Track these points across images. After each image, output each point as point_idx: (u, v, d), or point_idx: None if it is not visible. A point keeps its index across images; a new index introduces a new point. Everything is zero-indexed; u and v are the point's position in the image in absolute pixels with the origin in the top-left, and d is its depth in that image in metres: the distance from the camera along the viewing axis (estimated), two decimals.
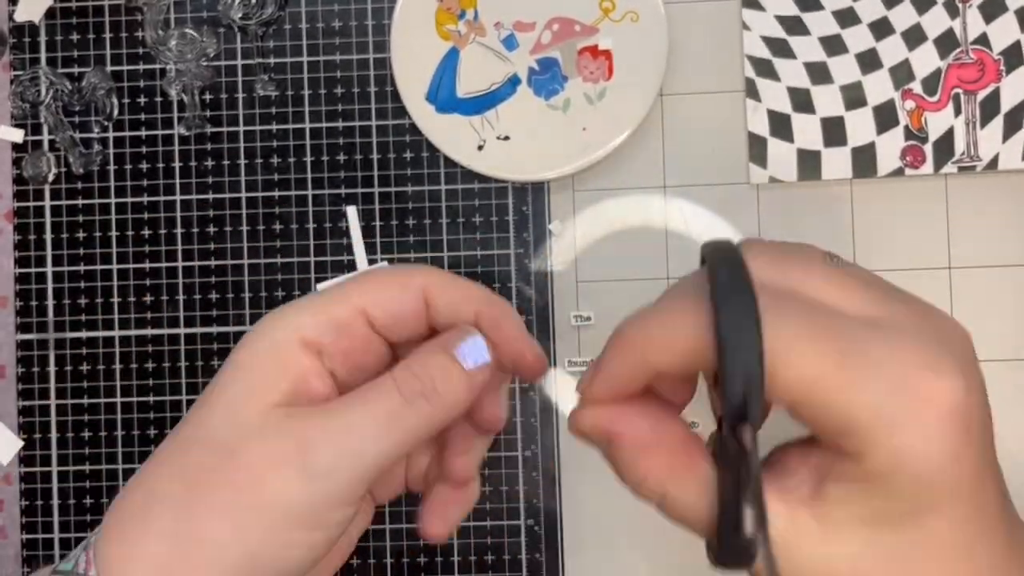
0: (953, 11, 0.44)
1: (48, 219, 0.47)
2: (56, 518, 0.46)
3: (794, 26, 0.45)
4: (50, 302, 0.46)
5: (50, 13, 0.47)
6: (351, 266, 0.46)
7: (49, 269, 0.47)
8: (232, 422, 0.28)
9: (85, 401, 0.46)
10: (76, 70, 0.47)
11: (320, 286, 0.32)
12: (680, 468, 0.28)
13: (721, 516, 0.26)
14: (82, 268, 0.46)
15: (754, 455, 0.24)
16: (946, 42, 0.44)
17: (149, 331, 0.46)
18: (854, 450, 0.24)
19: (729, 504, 0.25)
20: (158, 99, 0.47)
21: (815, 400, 0.24)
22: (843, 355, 0.24)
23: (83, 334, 0.46)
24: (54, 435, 0.46)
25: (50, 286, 0.46)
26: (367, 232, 0.46)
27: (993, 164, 0.44)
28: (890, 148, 0.44)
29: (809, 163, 0.44)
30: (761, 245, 0.28)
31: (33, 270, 0.47)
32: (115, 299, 0.46)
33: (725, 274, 0.25)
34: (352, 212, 0.45)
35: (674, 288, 0.28)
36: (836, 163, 0.44)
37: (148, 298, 0.46)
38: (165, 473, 0.29)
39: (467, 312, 0.31)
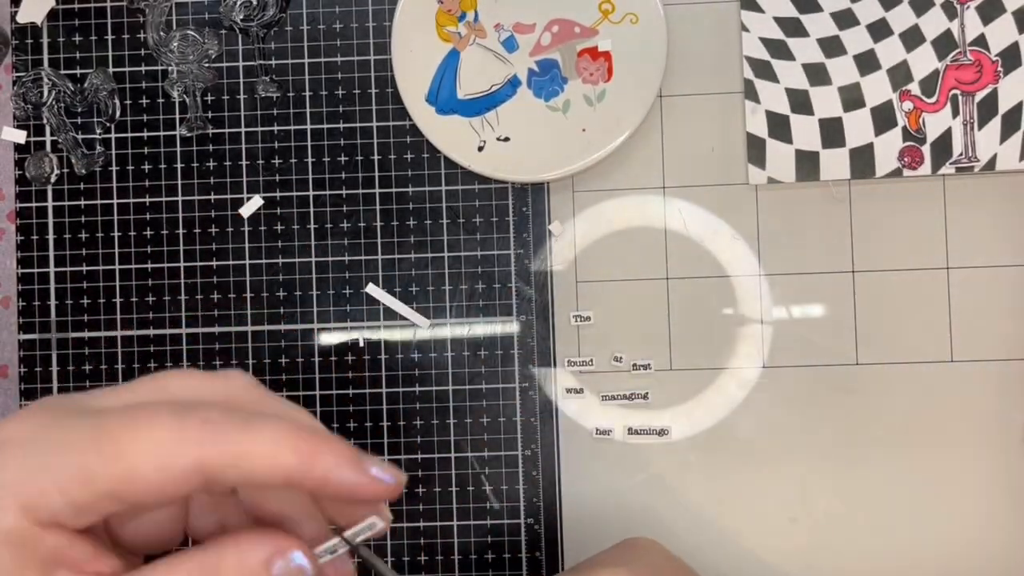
0: (951, 13, 0.44)
1: (50, 219, 0.47)
2: None
3: (793, 28, 0.45)
4: (52, 302, 0.47)
5: (52, 15, 0.47)
6: (351, 266, 0.46)
7: (51, 269, 0.47)
8: None
9: None
10: (78, 71, 0.47)
11: (100, 395, 0.25)
12: None
13: None
14: (84, 268, 0.47)
15: None
16: (944, 43, 0.44)
17: (150, 331, 0.46)
18: None
19: None
20: (160, 100, 0.47)
21: None
22: None
23: (85, 334, 0.46)
24: None
25: (52, 286, 0.47)
26: (367, 232, 0.46)
27: (991, 165, 0.44)
28: (888, 149, 0.44)
29: (807, 164, 0.44)
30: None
31: (35, 270, 0.47)
32: (117, 299, 0.46)
33: None
34: (372, 289, 0.45)
35: None
36: (835, 164, 0.44)
37: (149, 298, 0.46)
38: None
39: (272, 482, 0.24)
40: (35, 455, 0.24)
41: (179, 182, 0.47)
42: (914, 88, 0.44)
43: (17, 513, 0.23)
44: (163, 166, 0.47)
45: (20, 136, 0.47)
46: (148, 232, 0.47)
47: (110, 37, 0.47)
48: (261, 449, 0.24)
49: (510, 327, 0.45)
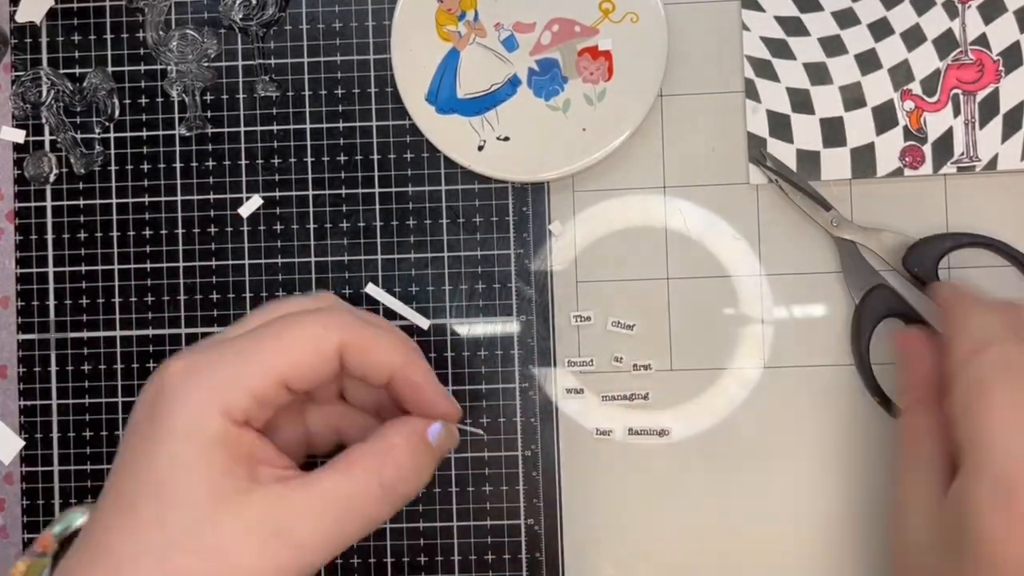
0: (952, 12, 0.44)
1: (49, 219, 0.47)
2: None
3: (794, 27, 0.45)
4: (51, 302, 0.47)
5: (51, 14, 0.47)
6: (351, 266, 0.46)
7: (50, 269, 0.47)
8: (210, 523, 0.28)
9: (86, 401, 0.46)
10: (77, 71, 0.47)
11: (229, 331, 0.32)
12: None
13: None
14: (83, 268, 0.47)
15: None
16: (945, 43, 0.44)
17: (150, 331, 0.46)
18: None
19: None
20: (159, 100, 0.47)
21: None
22: None
23: (84, 334, 0.46)
24: (55, 435, 0.46)
25: (51, 286, 0.47)
26: (367, 232, 0.46)
27: (992, 164, 0.44)
28: (889, 148, 0.44)
29: (808, 163, 0.44)
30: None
31: (34, 270, 0.47)
32: (116, 299, 0.46)
33: None
34: (372, 288, 0.45)
35: None
36: (835, 163, 0.44)
37: (149, 298, 0.46)
38: (127, 540, 0.28)
39: (382, 372, 0.32)
40: (221, 369, 0.29)
41: (178, 182, 0.47)
42: (915, 87, 0.44)
43: (220, 417, 0.28)
44: (162, 166, 0.47)
45: (19, 136, 0.47)
46: (147, 232, 0.46)
47: (109, 36, 0.47)
48: (381, 345, 0.31)
49: (510, 327, 0.45)
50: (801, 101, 0.45)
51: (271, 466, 0.30)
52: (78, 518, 0.35)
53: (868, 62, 0.44)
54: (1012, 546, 0.30)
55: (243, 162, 0.46)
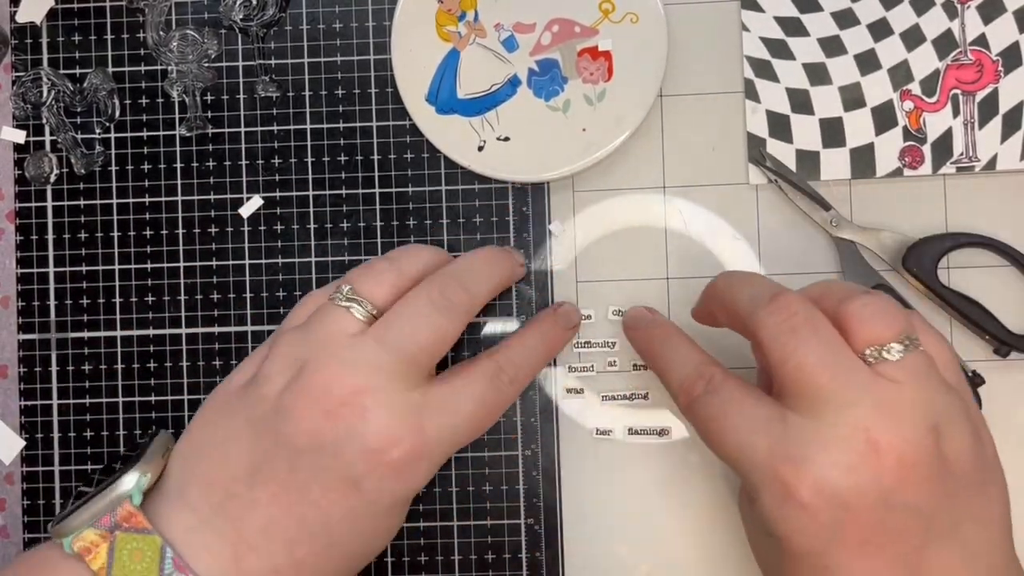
0: (952, 12, 0.44)
1: (50, 219, 0.47)
2: None
3: (793, 27, 0.45)
4: (52, 302, 0.47)
5: (52, 14, 0.47)
6: (351, 266, 0.46)
7: (51, 269, 0.47)
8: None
9: (87, 401, 0.46)
10: (78, 71, 0.47)
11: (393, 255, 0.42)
12: None
13: None
14: (84, 268, 0.47)
15: None
16: (945, 43, 0.44)
17: (150, 331, 0.46)
18: None
19: None
20: (159, 100, 0.47)
21: None
22: None
23: (85, 334, 0.46)
24: (56, 435, 0.46)
25: (52, 286, 0.47)
26: (367, 232, 0.46)
27: (991, 164, 0.44)
28: (889, 149, 0.44)
29: (808, 163, 0.44)
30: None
31: (35, 270, 0.47)
32: (117, 299, 0.46)
33: None
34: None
35: None
36: (835, 163, 0.44)
37: (149, 298, 0.46)
38: (265, 446, 0.36)
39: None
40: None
41: (179, 182, 0.47)
42: (915, 88, 0.44)
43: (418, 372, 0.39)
44: (163, 166, 0.47)
45: (19, 136, 0.47)
46: (148, 232, 0.47)
47: (110, 37, 0.47)
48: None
49: (510, 327, 0.45)
50: (801, 101, 0.45)
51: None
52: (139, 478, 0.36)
53: (867, 62, 0.44)
54: (804, 539, 0.32)
55: (243, 162, 0.46)
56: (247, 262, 0.46)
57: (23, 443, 0.46)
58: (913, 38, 0.44)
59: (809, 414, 0.32)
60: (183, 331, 0.46)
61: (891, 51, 0.44)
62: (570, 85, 0.45)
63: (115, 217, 0.47)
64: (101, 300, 0.47)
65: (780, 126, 0.45)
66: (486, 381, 0.39)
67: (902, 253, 0.43)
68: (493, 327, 0.45)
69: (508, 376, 0.40)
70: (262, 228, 0.46)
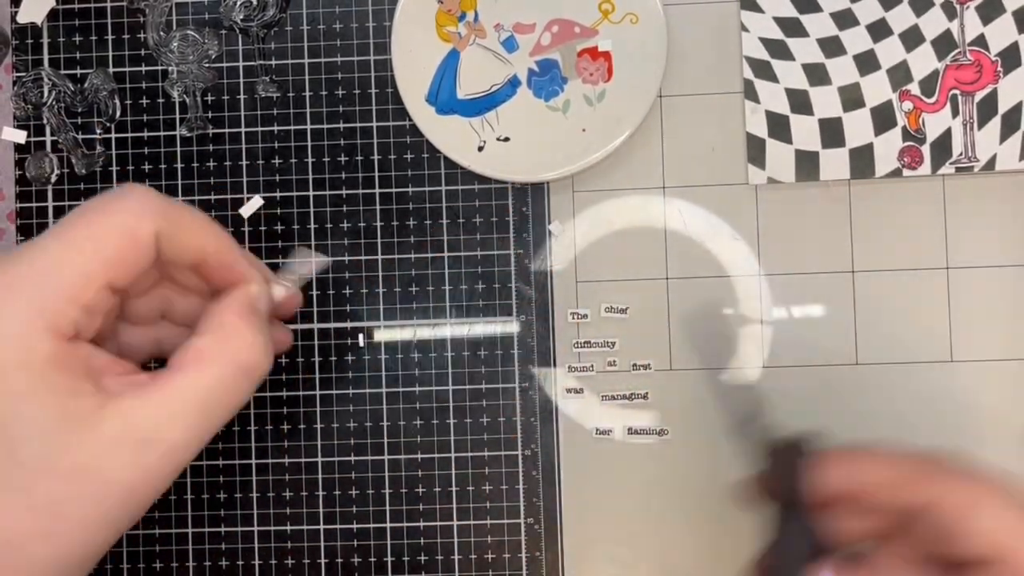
0: (951, 12, 0.44)
1: (51, 220, 0.47)
2: None
3: (792, 28, 0.45)
4: None
5: (52, 15, 0.47)
6: (351, 266, 0.46)
7: None
8: (69, 452, 0.26)
9: None
10: (78, 71, 0.47)
11: (36, 244, 0.29)
12: None
13: None
14: None
15: None
16: (944, 43, 0.44)
17: None
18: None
19: None
20: (160, 100, 0.47)
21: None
22: None
23: None
24: None
25: None
26: (367, 232, 0.46)
27: (991, 165, 0.44)
28: (888, 149, 0.44)
29: (807, 164, 0.44)
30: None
31: None
32: None
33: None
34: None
35: None
36: (834, 164, 0.44)
37: None
38: None
39: (194, 256, 0.31)
40: (34, 281, 0.27)
41: (179, 182, 0.47)
42: (914, 88, 0.44)
43: (50, 336, 0.26)
44: (163, 166, 0.47)
45: (20, 136, 0.47)
46: None
47: (110, 37, 0.47)
48: (194, 226, 0.31)
49: (510, 327, 0.45)
50: (800, 102, 0.45)
51: (115, 374, 0.28)
52: None
53: (867, 63, 0.45)
54: None
55: (244, 162, 0.46)
56: None
57: None
58: (912, 38, 0.45)
59: None
60: None
61: (890, 51, 0.45)
62: (570, 85, 0.45)
63: None
64: None
65: (779, 126, 0.45)
66: None
67: None
68: (493, 327, 0.45)
69: None
70: (262, 228, 0.46)
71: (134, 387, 0.28)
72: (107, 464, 0.26)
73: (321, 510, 0.45)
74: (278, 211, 0.46)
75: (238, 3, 0.46)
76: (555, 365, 0.45)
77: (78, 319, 0.27)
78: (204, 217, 0.32)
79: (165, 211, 0.30)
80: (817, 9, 0.45)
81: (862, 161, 0.44)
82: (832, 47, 0.45)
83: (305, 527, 0.45)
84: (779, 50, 0.45)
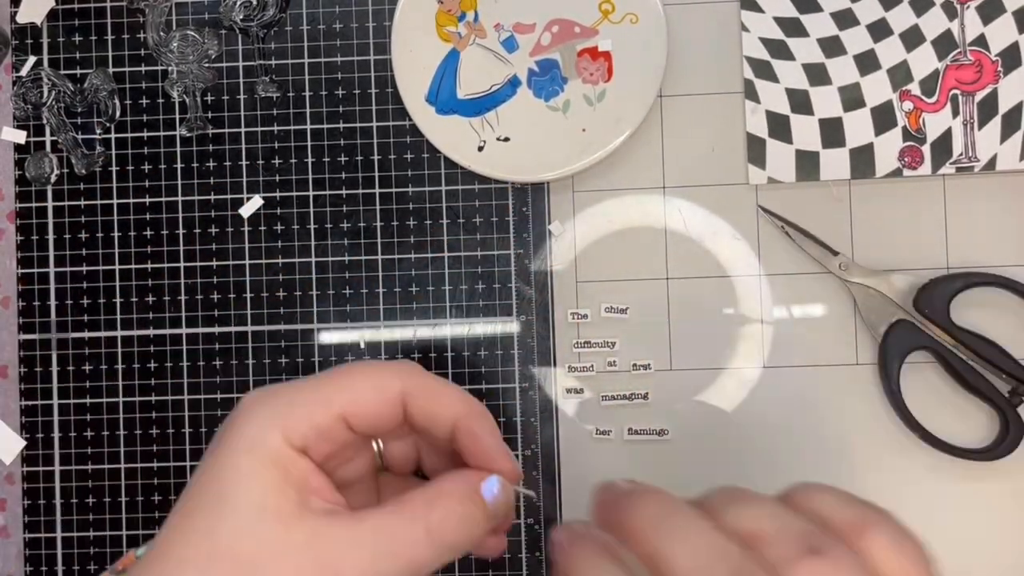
0: (951, 12, 0.44)
1: (50, 220, 0.47)
2: (59, 517, 0.46)
3: (793, 28, 0.45)
4: (52, 302, 0.47)
5: (52, 15, 0.47)
6: (351, 266, 0.46)
7: (51, 269, 0.47)
8: (253, 536, 0.28)
9: (87, 401, 0.46)
10: (78, 72, 0.47)
11: (296, 382, 0.32)
12: None
13: None
14: (84, 268, 0.47)
15: None
16: (944, 43, 0.44)
17: (151, 331, 0.46)
18: None
19: None
20: (160, 100, 0.47)
21: None
22: None
23: (85, 334, 0.47)
24: (56, 435, 0.46)
25: (52, 286, 0.47)
26: (367, 232, 0.46)
27: (991, 165, 0.44)
28: (888, 149, 0.44)
29: (807, 164, 0.44)
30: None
31: (35, 270, 0.47)
32: (117, 299, 0.46)
33: None
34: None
35: None
36: (834, 164, 0.44)
37: (150, 298, 0.46)
38: (177, 546, 0.28)
39: (445, 421, 0.32)
40: (286, 397, 0.30)
41: (179, 182, 0.47)
42: (914, 88, 0.44)
43: (280, 437, 0.29)
44: (163, 166, 0.47)
45: (20, 136, 0.47)
46: (148, 232, 0.47)
47: (110, 37, 0.47)
48: (445, 393, 0.32)
49: (510, 327, 0.45)
50: (800, 102, 0.45)
51: (323, 498, 0.30)
52: None
53: (867, 63, 0.44)
54: None
55: (244, 162, 0.46)
56: (247, 262, 0.46)
57: (23, 443, 0.46)
58: (913, 38, 0.45)
59: None
60: (183, 331, 0.46)
61: (891, 51, 0.44)
62: (570, 85, 0.45)
63: (115, 217, 0.47)
64: (101, 300, 0.47)
65: (780, 126, 0.45)
66: None
67: (913, 295, 0.43)
68: (493, 327, 0.45)
69: None
70: (262, 228, 0.46)
71: (330, 514, 0.29)
72: (275, 568, 0.28)
73: None
74: (278, 211, 0.46)
75: (238, 3, 0.46)
76: (555, 365, 0.45)
77: (308, 435, 0.30)
78: (457, 388, 0.33)
79: (414, 373, 0.32)
80: (817, 9, 0.45)
81: (862, 161, 0.44)
82: (832, 47, 0.45)
83: None
84: (779, 50, 0.45)
